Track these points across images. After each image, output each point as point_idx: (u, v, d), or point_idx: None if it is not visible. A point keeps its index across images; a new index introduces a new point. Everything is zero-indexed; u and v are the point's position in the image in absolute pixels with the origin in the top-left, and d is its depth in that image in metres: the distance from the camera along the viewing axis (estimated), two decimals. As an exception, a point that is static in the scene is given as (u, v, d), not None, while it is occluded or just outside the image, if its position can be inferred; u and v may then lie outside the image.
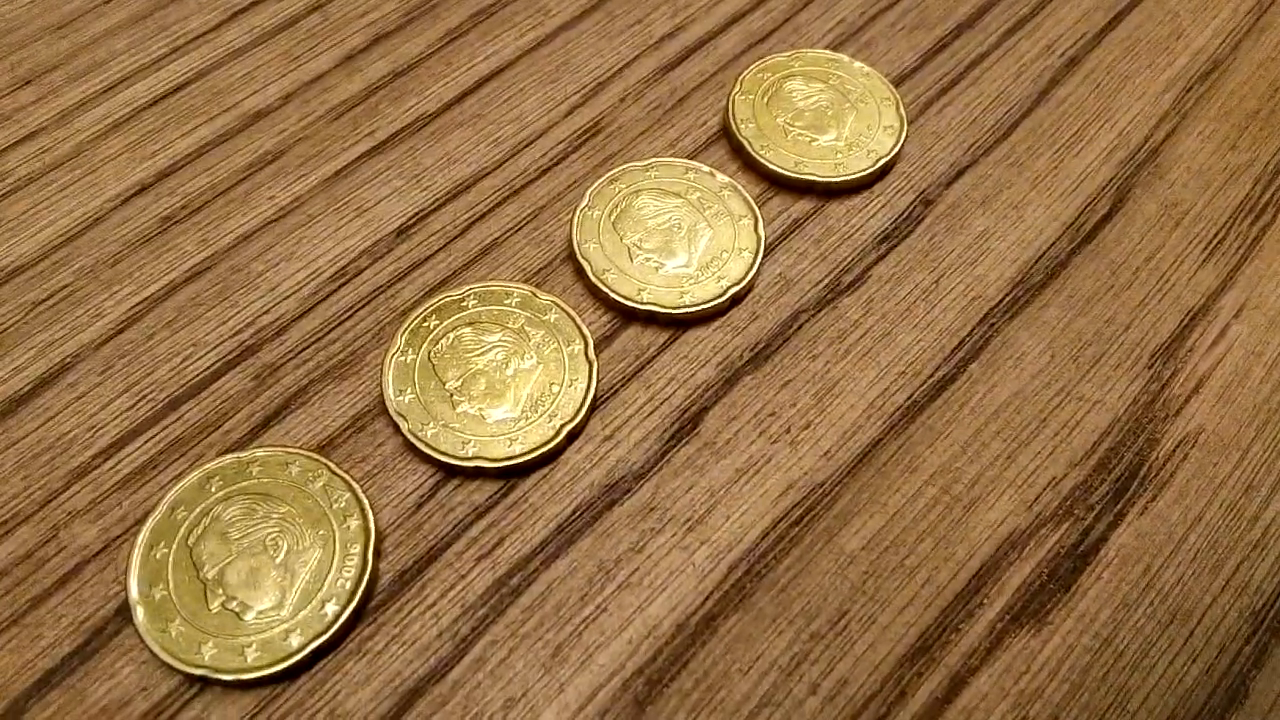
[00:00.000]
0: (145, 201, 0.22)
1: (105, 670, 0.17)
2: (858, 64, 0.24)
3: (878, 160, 0.22)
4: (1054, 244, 0.22)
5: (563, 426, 0.19)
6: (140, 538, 0.18)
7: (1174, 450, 0.19)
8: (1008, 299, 0.21)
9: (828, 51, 0.24)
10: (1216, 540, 0.19)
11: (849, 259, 0.22)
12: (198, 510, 0.18)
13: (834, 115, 0.23)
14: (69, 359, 0.20)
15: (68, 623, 0.17)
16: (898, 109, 0.23)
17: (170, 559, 0.17)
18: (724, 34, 0.25)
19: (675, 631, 0.17)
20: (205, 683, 0.17)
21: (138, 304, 0.20)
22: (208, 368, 0.20)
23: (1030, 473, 0.19)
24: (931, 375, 0.20)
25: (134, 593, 0.17)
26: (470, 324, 0.20)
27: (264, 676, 0.17)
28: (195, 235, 0.21)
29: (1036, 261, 0.22)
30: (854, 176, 0.22)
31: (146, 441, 0.19)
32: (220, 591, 0.17)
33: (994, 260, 0.22)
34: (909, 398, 0.20)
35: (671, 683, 0.17)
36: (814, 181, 0.22)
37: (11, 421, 0.19)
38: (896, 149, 0.23)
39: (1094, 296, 0.21)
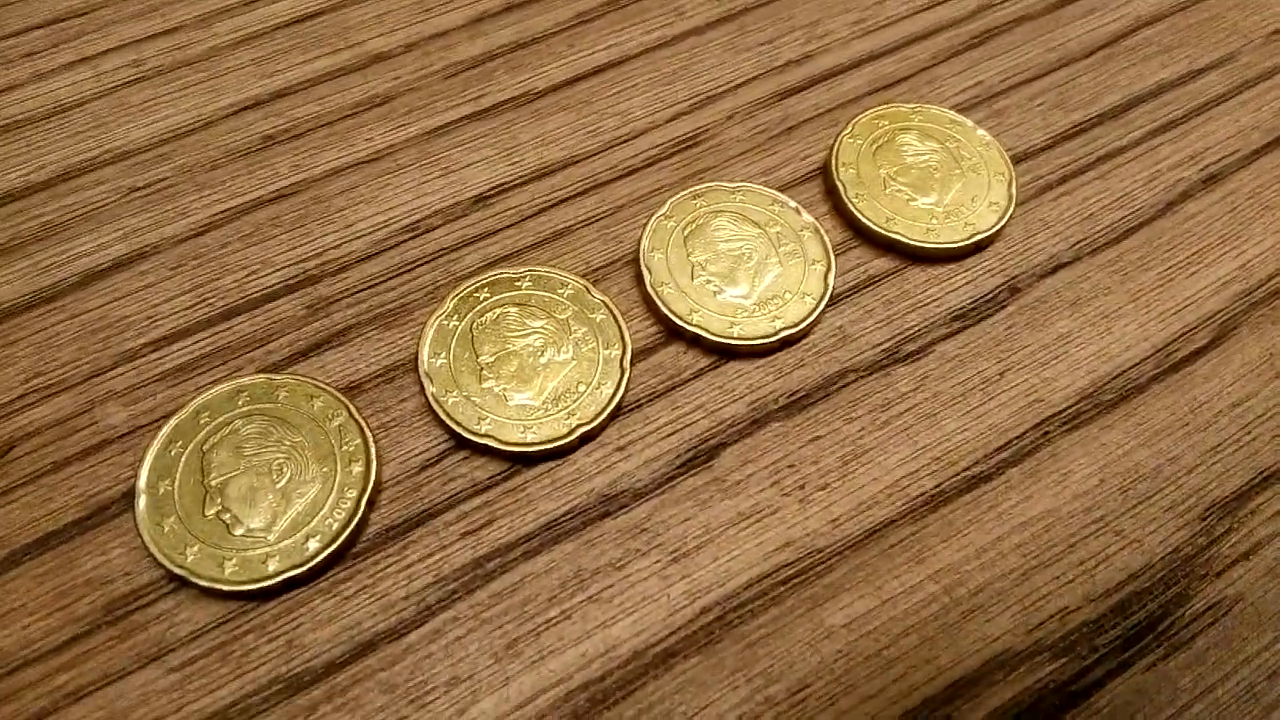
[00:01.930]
0: (254, 117, 0.23)
1: (99, 546, 0.18)
2: (981, 131, 0.23)
3: (973, 235, 0.21)
4: (1137, 365, 0.21)
5: (578, 427, 0.19)
6: (162, 432, 0.18)
7: (1204, 612, 0.18)
8: (1071, 410, 0.20)
9: (952, 112, 0.23)
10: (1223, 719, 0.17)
11: (916, 328, 0.21)
12: (220, 419, 0.19)
13: (941, 179, 0.22)
14: (148, 249, 0.21)
15: (78, 494, 0.18)
16: (1010, 186, 0.22)
17: (183, 459, 0.18)
18: (852, 72, 0.24)
19: (631, 657, 0.17)
20: (183, 583, 0.17)
21: (222, 212, 0.21)
22: (268, 287, 0.21)
23: (1041, 596, 0.18)
24: (967, 469, 0.19)
25: (142, 481, 0.18)
26: (519, 305, 0.20)
27: (236, 591, 0.17)
28: (290, 159, 0.22)
29: (1113, 379, 0.20)
30: (943, 246, 0.21)
31: (194, 343, 0.20)
32: (218, 501, 0.18)
33: (1068, 366, 0.20)
34: (937, 485, 0.19)
35: (613, 707, 0.17)
36: (900, 242, 0.21)
37: (83, 294, 0.20)
38: (997, 228, 0.22)
39: (1164, 430, 0.20)
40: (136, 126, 0.22)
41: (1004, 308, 0.21)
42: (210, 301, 0.20)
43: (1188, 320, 0.21)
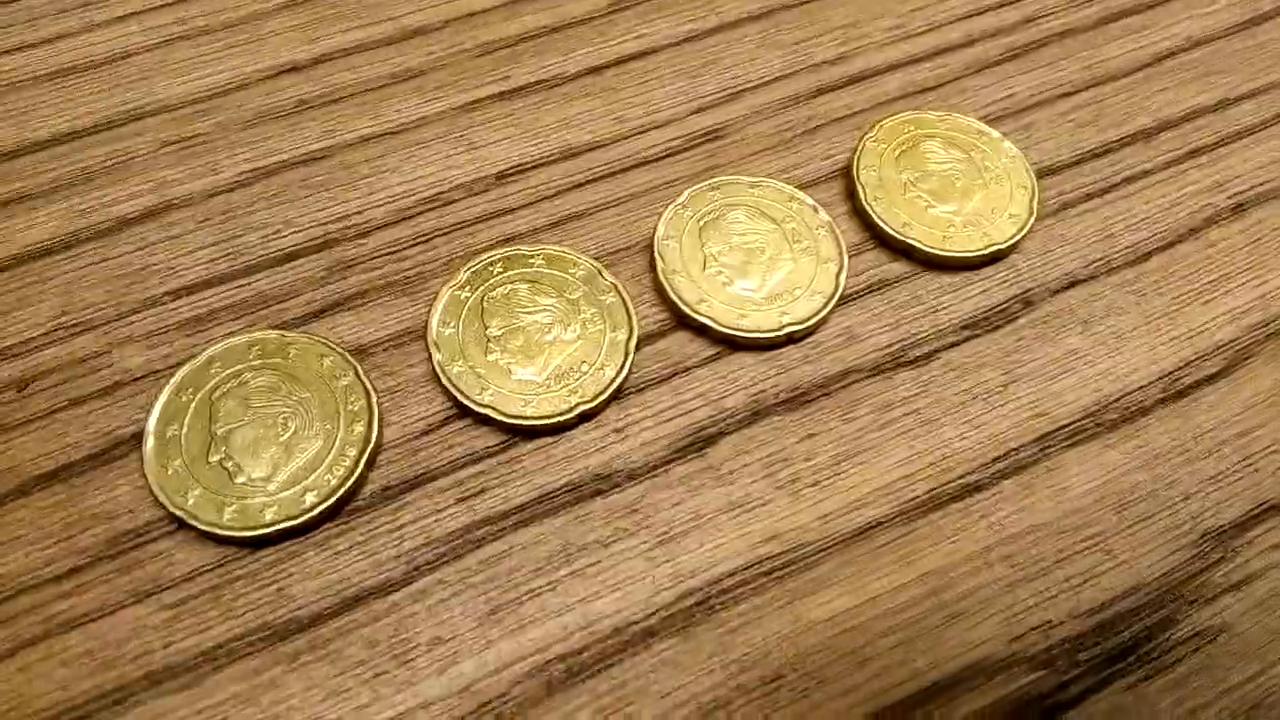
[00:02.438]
0: (292, 81, 0.23)
1: (106, 483, 0.18)
2: (1008, 144, 0.23)
3: (989, 245, 0.21)
4: (1143, 387, 0.20)
5: (578, 405, 0.19)
6: (175, 378, 0.19)
7: (1189, 638, 0.18)
8: (1072, 426, 0.20)
9: (980, 122, 0.23)
10: (1198, 746, 0.17)
11: (923, 334, 0.21)
12: (231, 370, 0.19)
13: (962, 188, 0.22)
14: (178, 201, 0.21)
15: (92, 431, 0.19)
16: (1031, 200, 0.22)
17: (192, 405, 0.19)
18: (884, 76, 0.24)
19: (611, 633, 0.17)
20: (181, 524, 0.18)
21: (252, 170, 0.22)
22: (290, 246, 0.21)
23: (1026, 608, 0.18)
24: (962, 477, 0.19)
25: (151, 424, 0.19)
26: (531, 281, 0.20)
27: (232, 537, 0.18)
28: (322, 125, 0.23)
29: (1118, 399, 0.20)
30: (958, 254, 0.21)
31: (214, 295, 0.20)
32: (223, 449, 0.18)
33: (1074, 383, 0.20)
34: (930, 491, 0.19)
35: (588, 680, 0.17)
36: (915, 247, 0.21)
37: (113, 239, 0.21)
38: (1014, 240, 0.22)
39: (1165, 454, 0.20)
40: (179, 82, 0.23)
41: (1014, 320, 0.21)
42: (232, 256, 0.21)
43: (1200, 347, 0.21)
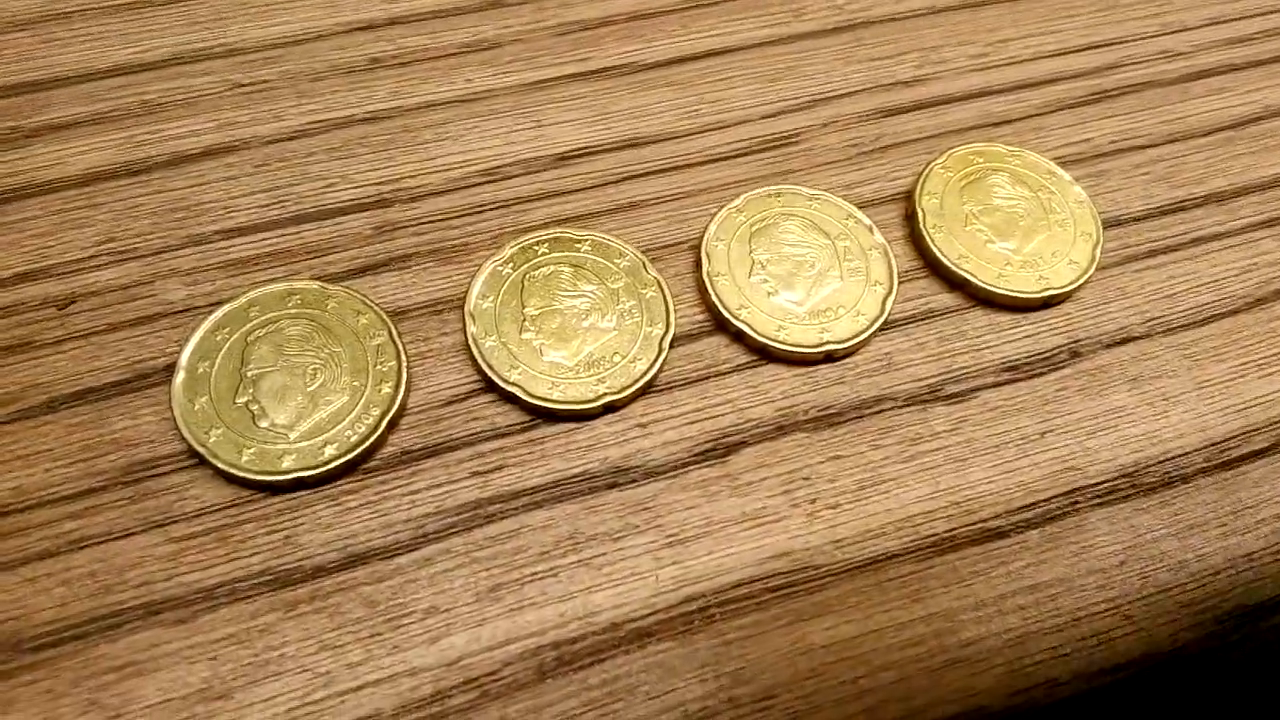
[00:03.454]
0: (365, 38, 0.23)
1: (132, 410, 0.19)
2: (1078, 188, 0.22)
3: (1045, 289, 0.21)
4: (1187, 454, 0.20)
5: (605, 395, 0.19)
6: (213, 316, 0.19)
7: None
8: (1107, 485, 0.19)
9: (1052, 163, 0.23)
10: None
11: (964, 370, 0.20)
12: (268, 315, 0.19)
13: (1025, 227, 0.22)
14: (238, 143, 0.22)
15: (124, 358, 0.19)
16: (1095, 248, 0.21)
17: (226, 345, 0.19)
18: (961, 104, 0.24)
19: (608, 627, 0.17)
20: (201, 461, 0.18)
21: (314, 122, 0.22)
22: (342, 201, 0.21)
23: (1033, 662, 0.18)
24: (985, 521, 0.19)
25: (184, 358, 0.19)
26: (574, 266, 0.20)
27: (248, 479, 0.18)
28: (390, 85, 0.23)
29: (1159, 463, 0.20)
30: (1012, 293, 0.21)
31: (262, 240, 0.20)
32: (250, 392, 0.18)
33: (1114, 441, 0.20)
34: (950, 530, 0.19)
35: (580, 671, 0.17)
36: (969, 281, 0.21)
37: (171, 173, 0.21)
38: (1072, 287, 0.21)
39: (1200, 525, 0.19)
40: (254, 26, 0.23)
41: (1060, 369, 0.21)
42: (285, 204, 0.21)
43: (1252, 420, 0.20)
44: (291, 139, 0.22)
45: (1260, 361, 0.21)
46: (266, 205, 0.21)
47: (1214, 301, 0.22)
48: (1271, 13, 0.27)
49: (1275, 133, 0.24)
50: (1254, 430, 0.20)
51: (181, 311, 0.20)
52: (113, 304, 0.20)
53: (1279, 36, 0.26)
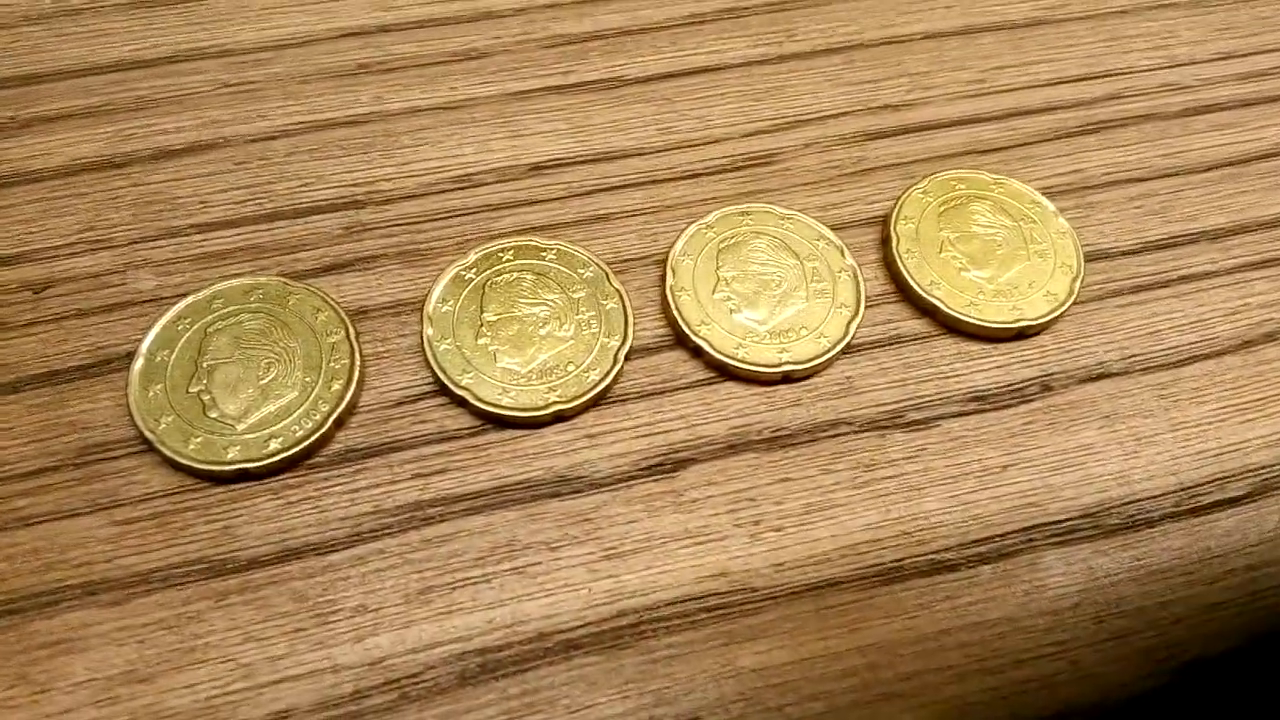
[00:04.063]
0: (354, 44, 0.24)
1: (92, 395, 0.19)
2: (1061, 219, 0.22)
3: (1018, 320, 0.20)
4: (1155, 498, 0.19)
5: (555, 404, 0.19)
6: (176, 306, 0.19)
7: (1145, 773, 0.17)
8: (1067, 524, 0.19)
9: (1036, 192, 0.22)
10: None
11: (927, 399, 0.20)
12: (230, 309, 0.19)
13: (1003, 256, 0.21)
14: (220, 140, 0.22)
15: (90, 343, 0.19)
16: (1074, 282, 0.21)
17: (186, 335, 0.19)
18: (948, 130, 0.23)
19: (536, 637, 0.17)
20: (150, 447, 0.18)
21: (297, 124, 0.22)
22: (315, 201, 0.21)
23: (969, 703, 0.17)
24: (935, 553, 0.18)
25: (144, 346, 0.19)
26: (537, 274, 0.20)
27: (193, 468, 0.18)
28: (374, 90, 0.23)
29: (1124, 504, 0.19)
30: (982, 323, 0.20)
31: (234, 235, 0.21)
32: (203, 381, 0.19)
33: (1079, 479, 0.19)
34: (897, 560, 0.18)
35: (501, 679, 0.17)
36: (939, 308, 0.20)
37: (151, 167, 0.22)
38: (1046, 319, 0.20)
39: (1163, 572, 0.18)
40: (249, 29, 0.24)
41: (1029, 402, 0.20)
42: (260, 201, 0.21)
43: (1228, 467, 0.19)
44: (273, 139, 0.22)
45: (1242, 406, 0.20)
46: (242, 201, 0.21)
47: (1198, 341, 0.21)
48: (1287, 49, 0.26)
49: (1277, 172, 0.23)
50: (1229, 477, 0.19)
51: (150, 301, 0.20)
52: (85, 290, 0.20)
53: (1294, 74, 0.25)
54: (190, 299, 0.20)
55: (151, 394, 0.18)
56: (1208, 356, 0.21)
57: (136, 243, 0.21)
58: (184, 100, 0.23)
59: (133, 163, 0.22)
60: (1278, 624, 0.18)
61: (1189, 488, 0.19)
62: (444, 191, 0.22)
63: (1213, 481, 0.19)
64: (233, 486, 0.18)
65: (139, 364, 0.19)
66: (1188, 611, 0.18)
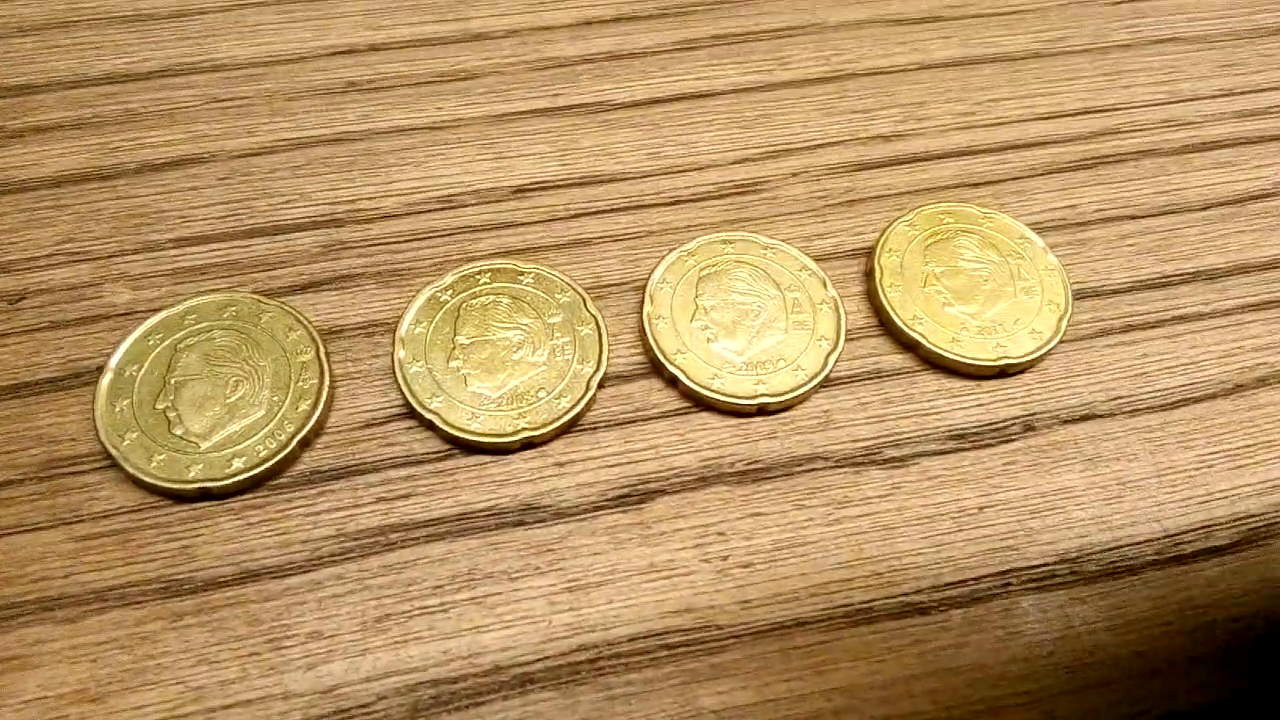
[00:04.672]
0: (345, 62, 0.24)
1: (60, 408, 0.19)
2: (1051, 256, 0.21)
3: (1002, 358, 0.20)
4: (1137, 544, 0.19)
5: (524, 430, 0.19)
6: (149, 321, 0.19)
7: (1115, 832, 0.16)
8: (1044, 570, 0.18)
9: (1025, 227, 0.22)
10: None
11: (906, 436, 0.19)
12: (203, 325, 0.19)
13: (989, 292, 0.21)
14: (206, 155, 0.22)
15: (62, 356, 0.19)
16: (1060, 320, 0.20)
17: (156, 351, 0.19)
18: (940, 162, 0.23)
19: (491, 670, 0.17)
20: (113, 463, 0.18)
21: (283, 140, 0.22)
22: (295, 218, 0.21)
23: (937, 752, 0.16)
24: (906, 595, 0.18)
25: (114, 360, 0.19)
26: (513, 298, 0.20)
27: (155, 486, 0.18)
28: (362, 109, 0.23)
29: (1105, 551, 0.18)
30: (964, 360, 0.20)
31: (212, 250, 0.21)
32: (170, 398, 0.19)
33: (1059, 523, 0.19)
34: (867, 601, 0.18)
35: (454, 712, 0.16)
36: (920, 343, 0.20)
37: (136, 180, 0.22)
38: (1031, 358, 0.20)
39: (1142, 621, 0.18)
40: (241, 45, 0.24)
41: (1010, 442, 0.20)
42: (240, 217, 0.21)
43: (1214, 514, 0.19)
44: (258, 155, 0.22)
45: (1231, 452, 0.20)
46: (223, 216, 0.21)
47: (1188, 384, 0.20)
48: (1292, 87, 0.25)
49: (1277, 212, 0.23)
50: (1215, 525, 0.19)
51: (124, 315, 0.20)
52: (61, 303, 0.20)
53: (1299, 112, 0.25)
54: (163, 314, 0.19)
55: (118, 409, 0.18)
56: (1198, 400, 0.20)
57: (115, 256, 0.21)
58: (173, 114, 0.23)
59: (118, 175, 0.22)
60: (1260, 680, 0.17)
61: (1173, 535, 0.19)
62: (425, 212, 0.22)
63: (1198, 529, 0.19)
64: (195, 505, 0.18)
65: (107, 378, 0.19)
66: (1167, 664, 0.17)
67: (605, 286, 0.21)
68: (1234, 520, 0.19)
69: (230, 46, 0.24)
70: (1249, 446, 0.20)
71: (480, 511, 0.18)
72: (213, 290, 0.20)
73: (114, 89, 0.23)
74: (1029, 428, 0.20)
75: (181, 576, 0.17)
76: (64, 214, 0.21)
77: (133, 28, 0.24)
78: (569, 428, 0.19)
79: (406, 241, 0.21)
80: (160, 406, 0.18)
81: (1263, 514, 0.19)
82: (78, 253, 0.21)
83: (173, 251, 0.21)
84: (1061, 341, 0.20)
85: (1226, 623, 0.18)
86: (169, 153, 0.22)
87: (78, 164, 0.22)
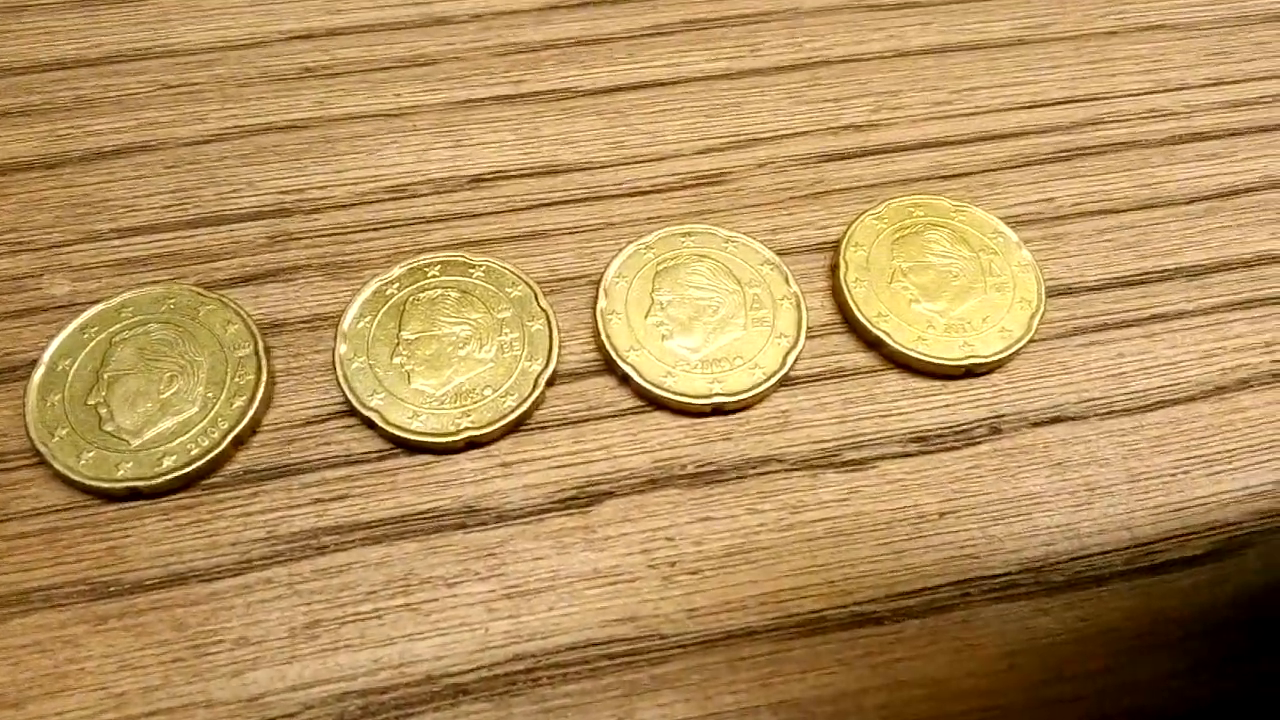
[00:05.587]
0: (302, 47, 0.23)
1: (-9, 402, 0.18)
2: (1025, 251, 0.20)
3: (969, 357, 0.19)
4: (1106, 554, 0.18)
5: (468, 429, 0.18)
6: (84, 314, 0.19)
7: None
8: (1006, 579, 0.17)
9: (1000, 221, 0.21)
10: None
11: (867, 437, 0.19)
12: (139, 318, 0.19)
13: (958, 288, 0.20)
14: (153, 143, 0.21)
15: (-5, 348, 0.19)
16: (1032, 318, 0.20)
17: (91, 344, 0.18)
18: (912, 153, 0.22)
19: (423, 680, 0.16)
20: (42, 460, 0.17)
21: (233, 127, 0.22)
22: (242, 208, 0.21)
23: (887, 770, 0.16)
24: (860, 604, 0.17)
25: (47, 354, 0.18)
26: (462, 291, 0.19)
27: (83, 484, 0.17)
28: (317, 95, 0.22)
29: (1071, 560, 0.18)
30: (930, 359, 0.19)
31: (155, 240, 0.20)
32: (102, 393, 0.18)
33: (1024, 530, 0.18)
34: (818, 610, 0.17)
35: (383, 723, 0.16)
36: (884, 341, 0.19)
37: (81, 169, 0.21)
38: (999, 357, 0.19)
39: (1111, 633, 0.17)
40: (195, 29, 0.23)
41: (976, 445, 0.19)
42: (185, 206, 0.21)
43: (1188, 522, 0.18)
44: (207, 142, 0.22)
45: (1209, 458, 0.19)
46: (168, 206, 0.21)
47: (1166, 386, 0.20)
48: (1286, 77, 0.24)
49: (1266, 206, 0.22)
50: (1190, 534, 0.18)
51: (64, 307, 0.19)
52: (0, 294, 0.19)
53: (1292, 103, 0.24)
54: (99, 307, 0.19)
55: (50, 404, 0.18)
56: (1175, 403, 0.19)
57: (58, 246, 0.20)
58: (123, 101, 0.22)
59: (65, 164, 0.21)
60: (1233, 697, 0.17)
61: (1144, 544, 0.18)
62: (377, 202, 0.21)
63: (1171, 538, 0.18)
64: (124, 505, 0.17)
65: (40, 373, 0.18)
66: (1135, 679, 0.17)
67: (561, 280, 0.20)
68: (1210, 529, 0.18)
69: (184, 32, 0.23)
70: (1228, 452, 0.19)
71: (420, 514, 0.18)
72: (152, 282, 0.20)
73: (65, 74, 0.22)
74: (996, 430, 0.19)
75: (108, 578, 0.17)
76: (7, 203, 0.21)
77: (86, 12, 0.24)
78: (515, 427, 0.18)
79: (358, 232, 0.21)
80: (92, 402, 0.18)
81: (1240, 523, 0.18)
82: (20, 243, 0.20)
83: (116, 242, 0.20)
84: (1033, 340, 0.20)
85: (1200, 637, 0.17)
86: (117, 140, 0.21)
87: (24, 151, 0.21)
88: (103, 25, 0.23)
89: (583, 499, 0.18)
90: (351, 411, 0.18)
